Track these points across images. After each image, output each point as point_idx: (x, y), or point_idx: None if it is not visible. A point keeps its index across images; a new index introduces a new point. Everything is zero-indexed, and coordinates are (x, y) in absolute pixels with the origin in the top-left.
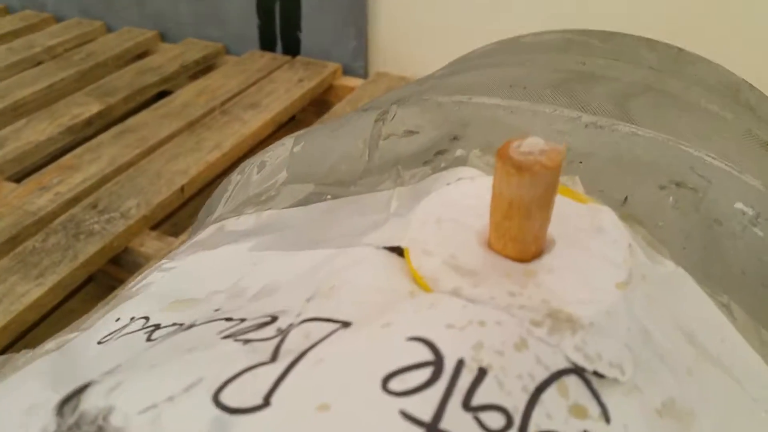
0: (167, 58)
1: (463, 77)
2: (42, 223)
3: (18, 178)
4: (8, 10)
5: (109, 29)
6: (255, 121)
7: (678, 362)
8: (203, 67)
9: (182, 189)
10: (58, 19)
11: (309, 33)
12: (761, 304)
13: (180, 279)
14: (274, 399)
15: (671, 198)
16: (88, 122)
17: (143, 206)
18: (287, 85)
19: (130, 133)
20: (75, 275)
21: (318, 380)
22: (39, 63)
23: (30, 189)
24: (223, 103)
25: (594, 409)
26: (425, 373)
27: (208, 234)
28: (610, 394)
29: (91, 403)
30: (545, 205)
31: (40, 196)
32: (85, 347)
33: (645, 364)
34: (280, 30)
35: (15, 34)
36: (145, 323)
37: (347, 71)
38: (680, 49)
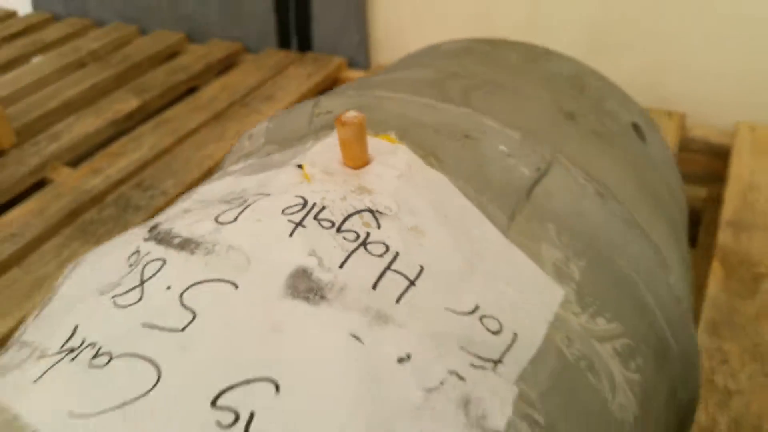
0: (194, 58)
1: (384, 76)
2: (96, 199)
3: (74, 164)
4: (55, 18)
5: (143, 32)
6: (270, 111)
7: (425, 213)
8: (226, 65)
9: (209, 170)
10: (99, 25)
11: (319, 29)
12: (507, 201)
13: (206, 193)
14: (240, 218)
15: (461, 143)
16: (129, 116)
17: (178, 185)
18: (298, 79)
19: (165, 125)
20: None
21: (256, 209)
22: (83, 65)
23: (84, 172)
24: (243, 97)
25: (374, 223)
26: (299, 207)
27: (217, 176)
28: (383, 219)
29: (167, 225)
30: (360, 141)
31: (94, 177)
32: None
33: (405, 210)
34: (295, 27)
35: (62, 40)
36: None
37: (352, 64)
38: (547, 50)
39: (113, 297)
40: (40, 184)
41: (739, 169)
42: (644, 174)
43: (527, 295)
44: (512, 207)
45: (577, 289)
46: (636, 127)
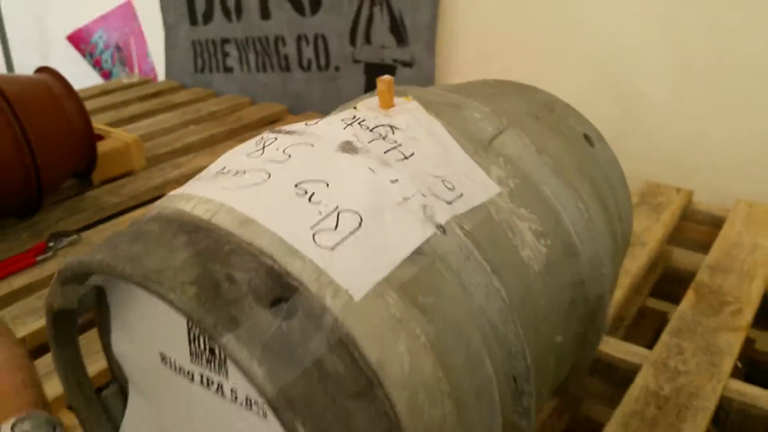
0: (288, 123)
1: (453, 86)
2: None
3: None
4: (183, 86)
5: (254, 103)
6: None
7: (421, 132)
8: None
9: None
10: (218, 95)
11: None
12: (474, 142)
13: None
14: (320, 122)
15: (452, 109)
16: None
17: None
18: None
19: None
20: None
21: (329, 119)
22: (203, 122)
23: None
24: None
25: (391, 131)
26: (351, 118)
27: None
28: (396, 131)
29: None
30: (389, 92)
31: None
32: None
33: (409, 129)
34: None
35: (187, 103)
36: None
37: None
38: (536, 88)
39: (247, 153)
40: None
41: (729, 232)
42: (583, 161)
43: (476, 183)
44: (477, 146)
45: (509, 192)
46: (586, 136)
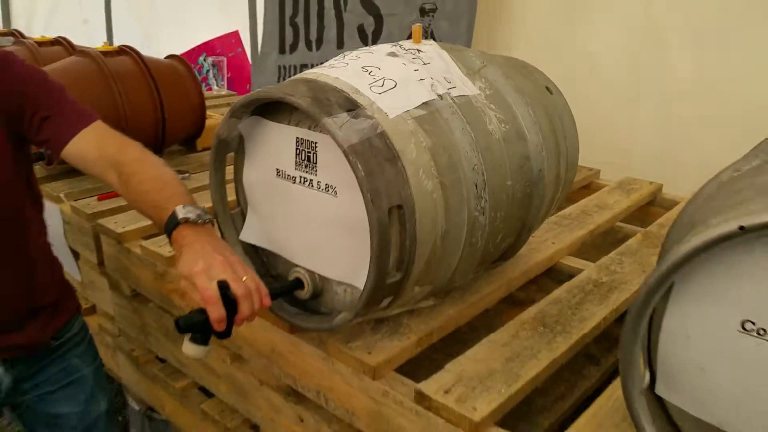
0: None
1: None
2: None
3: None
4: None
5: None
6: None
7: (437, 57)
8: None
9: None
10: None
11: None
12: (469, 71)
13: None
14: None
15: (461, 53)
16: None
17: None
18: None
19: None
20: None
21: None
22: None
23: None
24: None
25: (417, 52)
26: (394, 45)
27: None
28: (421, 49)
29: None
30: (419, 33)
31: None
32: None
33: (428, 55)
34: None
35: None
36: None
37: None
38: (525, 63)
39: (342, 56)
40: None
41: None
42: (541, 98)
43: (464, 85)
44: (468, 70)
45: (485, 96)
46: (547, 88)
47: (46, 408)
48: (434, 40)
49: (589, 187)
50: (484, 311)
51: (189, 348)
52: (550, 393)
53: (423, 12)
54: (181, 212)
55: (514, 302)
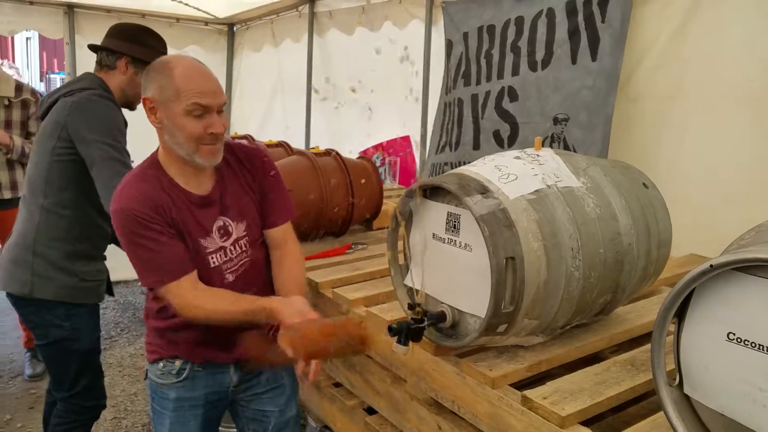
0: None
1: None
2: None
3: None
4: None
5: None
6: None
7: (549, 158)
8: None
9: None
10: None
11: None
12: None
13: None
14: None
15: (569, 157)
16: None
17: None
18: None
19: None
20: None
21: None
22: None
23: None
24: None
25: (537, 156)
26: (521, 151)
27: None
28: (539, 154)
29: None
30: (539, 143)
31: None
32: None
33: (546, 159)
34: None
35: None
36: None
37: None
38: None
39: (482, 159)
40: None
41: None
42: (638, 192)
43: (571, 180)
44: (576, 169)
45: (586, 188)
46: (644, 184)
47: (257, 405)
48: (567, 145)
49: None
50: (592, 356)
51: (395, 347)
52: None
53: (556, 121)
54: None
55: (615, 353)
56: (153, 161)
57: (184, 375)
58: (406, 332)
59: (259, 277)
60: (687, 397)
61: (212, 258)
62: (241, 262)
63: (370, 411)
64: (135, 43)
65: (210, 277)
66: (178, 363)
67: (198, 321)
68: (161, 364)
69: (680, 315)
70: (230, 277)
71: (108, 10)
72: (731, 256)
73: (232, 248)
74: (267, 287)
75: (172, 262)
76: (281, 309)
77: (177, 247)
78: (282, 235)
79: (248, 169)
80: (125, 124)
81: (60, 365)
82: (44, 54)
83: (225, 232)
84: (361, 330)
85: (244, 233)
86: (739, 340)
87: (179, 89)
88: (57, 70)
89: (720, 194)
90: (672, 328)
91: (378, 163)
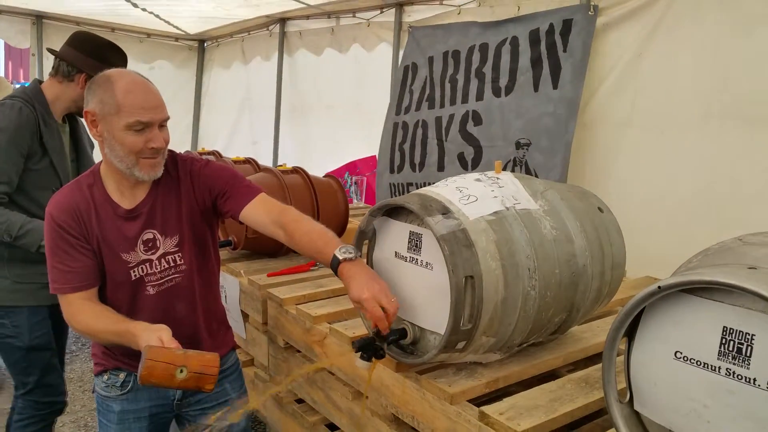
0: None
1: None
2: None
3: None
4: None
5: None
6: None
7: (508, 181)
8: None
9: None
10: None
11: None
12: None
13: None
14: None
15: (528, 180)
16: None
17: None
18: None
19: None
20: None
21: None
22: None
23: None
24: None
25: (496, 179)
26: (481, 174)
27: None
28: (499, 176)
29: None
30: (499, 167)
31: None
32: None
33: (505, 181)
34: None
35: None
36: None
37: None
38: (584, 191)
39: (443, 181)
40: None
41: None
42: (592, 215)
43: (529, 202)
44: (533, 192)
45: (543, 210)
46: (599, 208)
47: (203, 420)
48: (528, 169)
49: None
50: (548, 374)
51: (358, 362)
52: None
53: (518, 145)
54: (340, 253)
55: (570, 372)
56: (93, 171)
57: (128, 387)
58: (370, 348)
59: (188, 297)
60: (637, 414)
61: (134, 271)
62: (168, 277)
63: (332, 427)
64: (97, 59)
65: (132, 290)
66: (122, 375)
67: (85, 336)
68: (105, 377)
69: (630, 334)
70: (151, 290)
71: (78, 22)
72: (679, 278)
73: (157, 262)
74: (197, 311)
75: (76, 275)
76: (140, 334)
77: (84, 262)
78: (264, 214)
79: (190, 181)
80: (36, 133)
81: (8, 362)
82: (10, 63)
83: (152, 246)
84: (213, 368)
85: (176, 249)
86: (685, 358)
87: (120, 105)
88: (23, 80)
89: (670, 218)
90: (624, 347)
91: (347, 183)
